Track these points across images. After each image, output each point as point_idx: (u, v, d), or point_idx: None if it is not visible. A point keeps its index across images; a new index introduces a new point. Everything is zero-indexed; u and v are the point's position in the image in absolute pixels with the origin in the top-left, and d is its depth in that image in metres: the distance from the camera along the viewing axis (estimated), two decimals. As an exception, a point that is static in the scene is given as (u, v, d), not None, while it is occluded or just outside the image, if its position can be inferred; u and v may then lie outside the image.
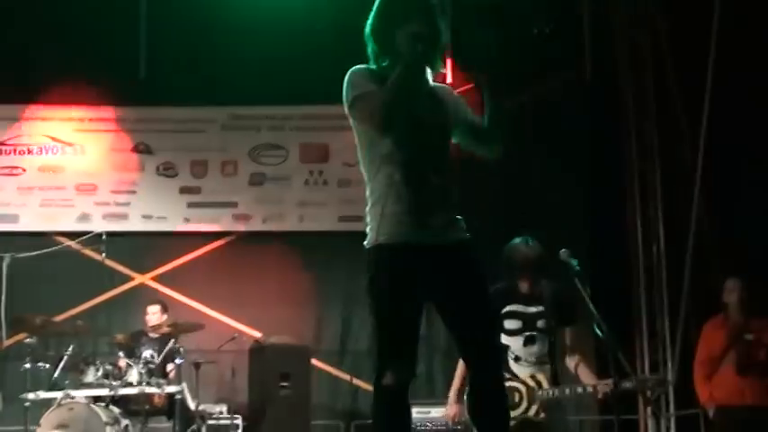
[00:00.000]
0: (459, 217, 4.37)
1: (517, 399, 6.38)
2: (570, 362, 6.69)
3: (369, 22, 4.41)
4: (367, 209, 4.33)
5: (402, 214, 4.19)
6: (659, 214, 11.60)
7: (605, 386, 6.30)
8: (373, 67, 4.39)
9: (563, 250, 5.98)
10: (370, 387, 8.60)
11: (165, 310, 10.15)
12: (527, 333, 6.48)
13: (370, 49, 4.42)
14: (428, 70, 4.33)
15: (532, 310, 6.52)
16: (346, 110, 4.31)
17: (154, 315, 10.05)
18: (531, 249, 6.55)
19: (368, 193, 4.34)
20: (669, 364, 11.23)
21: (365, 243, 4.30)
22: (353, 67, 4.38)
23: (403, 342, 4.18)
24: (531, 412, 6.38)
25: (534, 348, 6.46)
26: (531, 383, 6.40)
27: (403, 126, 4.15)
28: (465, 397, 4.57)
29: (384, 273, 4.19)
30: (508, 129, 4.45)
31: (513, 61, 10.88)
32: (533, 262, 6.55)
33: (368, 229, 4.30)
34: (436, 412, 9.55)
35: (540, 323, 6.50)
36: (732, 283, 8.07)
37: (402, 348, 4.18)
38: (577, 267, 5.87)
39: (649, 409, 11.20)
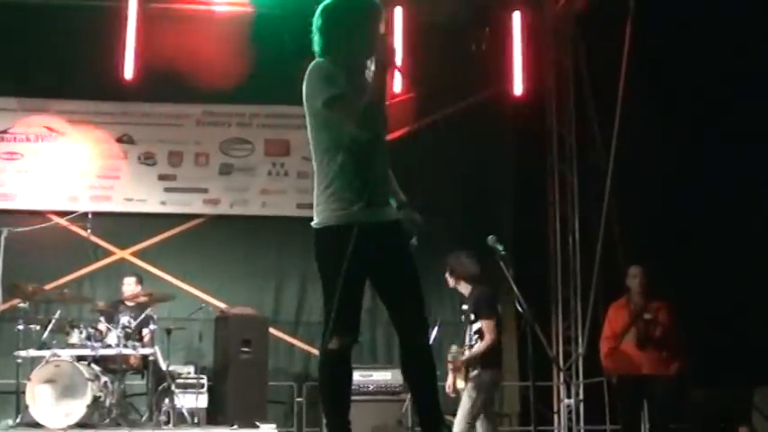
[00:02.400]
0: (392, 200, 4.37)
1: None
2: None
3: (325, 20, 4.30)
4: (316, 192, 4.25)
5: (349, 199, 4.15)
6: (575, 210, 11.75)
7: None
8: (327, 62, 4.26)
9: (490, 236, 6.04)
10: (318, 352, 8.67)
11: (139, 281, 10.10)
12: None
13: (320, 45, 4.30)
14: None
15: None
16: (318, 102, 4.16)
17: (129, 286, 9.98)
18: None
19: (318, 178, 4.25)
20: (580, 340, 11.39)
21: (313, 224, 4.25)
22: (317, 62, 4.26)
23: (347, 311, 4.14)
24: None
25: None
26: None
27: (369, 123, 4.13)
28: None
29: (331, 250, 4.14)
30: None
31: (453, 74, 11.12)
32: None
33: (317, 211, 4.24)
34: (377, 375, 9.69)
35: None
36: (635, 270, 8.20)
37: (345, 316, 4.15)
38: (503, 252, 5.94)
39: (562, 376, 11.36)
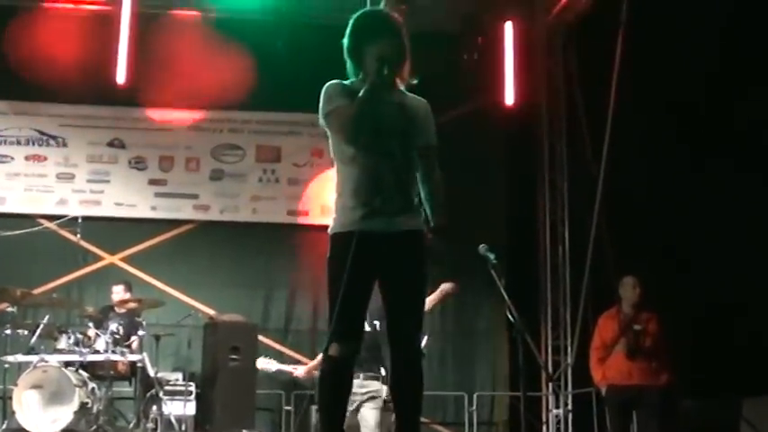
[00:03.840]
0: (413, 208, 4.35)
1: None
2: None
3: (344, 40, 4.40)
4: (333, 201, 4.37)
5: (356, 207, 4.21)
6: (565, 219, 11.75)
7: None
8: (347, 82, 4.39)
9: (482, 245, 6.00)
10: (309, 361, 8.66)
11: (128, 288, 10.03)
12: None
13: (347, 65, 4.42)
14: (398, 83, 4.37)
15: None
16: (321, 120, 4.34)
17: (117, 294, 9.92)
18: None
19: (334, 187, 4.38)
20: (569, 350, 11.37)
21: (328, 230, 4.34)
22: (328, 82, 4.38)
23: (348, 319, 4.15)
24: None
25: None
26: None
27: (367, 134, 4.17)
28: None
29: (337, 257, 4.18)
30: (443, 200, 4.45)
31: (444, 83, 11.12)
32: None
33: (331, 219, 4.35)
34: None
35: None
36: (630, 280, 8.19)
37: (344, 324, 4.15)
38: (494, 261, 5.91)
39: (551, 387, 11.34)
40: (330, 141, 4.40)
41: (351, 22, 4.41)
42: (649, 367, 7.91)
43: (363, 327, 4.33)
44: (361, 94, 4.18)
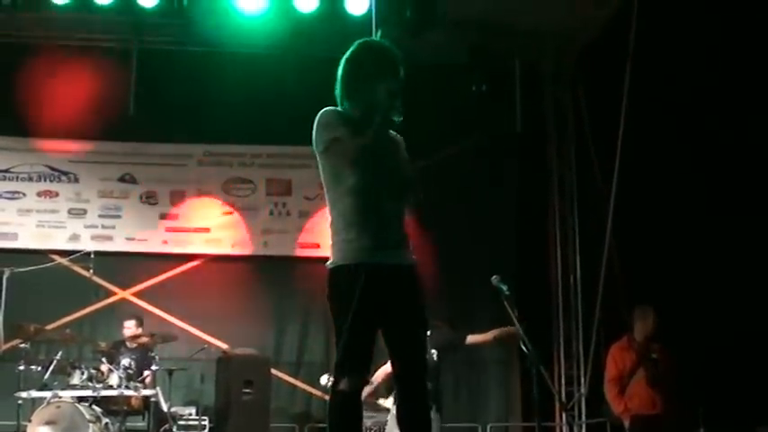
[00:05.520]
0: (408, 242, 4.36)
1: None
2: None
3: (344, 72, 4.39)
4: (330, 234, 4.32)
5: (360, 240, 4.19)
6: (576, 249, 11.73)
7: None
8: (340, 109, 4.38)
9: (494, 276, 6.01)
10: (320, 393, 8.64)
11: (140, 324, 10.01)
12: None
13: (338, 92, 4.41)
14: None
15: None
16: (319, 147, 4.28)
17: (129, 329, 9.90)
18: None
19: (330, 220, 4.33)
20: (582, 380, 11.33)
21: (327, 264, 4.29)
22: (324, 109, 4.35)
23: (358, 354, 4.17)
24: None
25: None
26: None
27: (369, 164, 4.18)
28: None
29: (335, 291, 4.20)
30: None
31: (454, 114, 11.17)
32: None
33: (330, 252, 4.30)
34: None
35: None
36: (646, 311, 8.16)
37: (356, 360, 4.17)
38: (507, 292, 5.91)
39: (565, 417, 11.29)
40: (324, 171, 4.34)
41: (361, 51, 4.41)
42: (670, 396, 7.89)
43: (371, 360, 4.29)
44: (374, 125, 4.18)
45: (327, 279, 4.27)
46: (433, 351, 7.46)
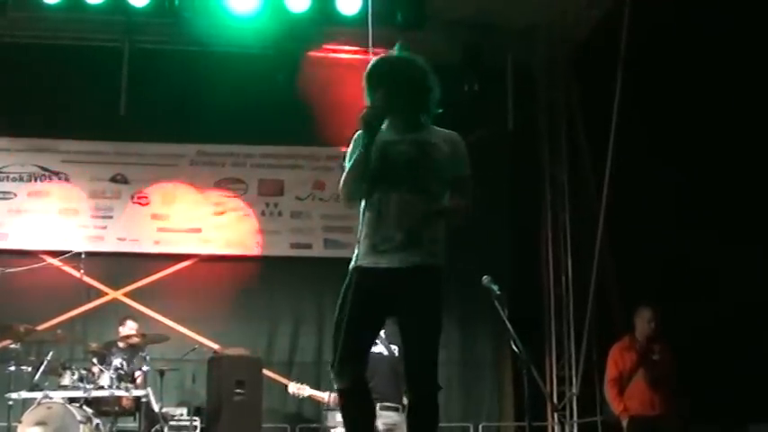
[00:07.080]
0: (422, 244, 4.35)
1: None
2: None
3: None
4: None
5: (368, 243, 4.33)
6: (568, 250, 11.75)
7: None
8: None
9: (485, 276, 6.00)
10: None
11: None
12: None
13: None
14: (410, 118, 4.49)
15: None
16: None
17: (131, 330, 9.88)
18: None
19: None
20: (574, 380, 11.35)
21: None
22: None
23: (345, 350, 4.22)
24: None
25: None
26: None
27: (367, 179, 4.27)
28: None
29: (347, 291, 4.28)
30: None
31: (446, 114, 11.15)
32: None
33: None
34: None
35: None
36: (646, 312, 8.18)
37: (343, 359, 4.23)
38: (498, 292, 5.91)
39: (556, 416, 11.30)
40: None
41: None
42: (670, 396, 7.93)
43: (364, 358, 4.37)
44: (362, 147, 4.29)
45: None
46: (393, 346, 7.44)
